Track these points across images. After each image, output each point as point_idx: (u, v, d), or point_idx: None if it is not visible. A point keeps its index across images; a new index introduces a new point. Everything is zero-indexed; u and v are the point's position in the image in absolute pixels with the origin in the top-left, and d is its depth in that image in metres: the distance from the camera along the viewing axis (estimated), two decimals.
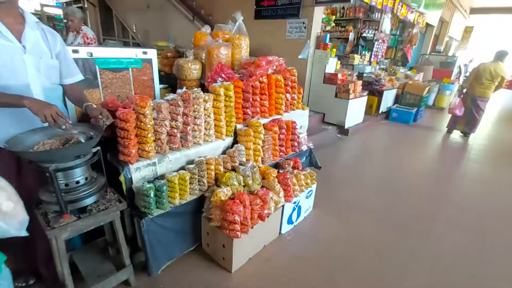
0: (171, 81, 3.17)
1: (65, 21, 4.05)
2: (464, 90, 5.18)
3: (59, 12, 8.34)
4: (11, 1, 1.27)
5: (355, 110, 4.97)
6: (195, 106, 1.87)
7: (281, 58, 2.77)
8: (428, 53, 10.32)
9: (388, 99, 6.19)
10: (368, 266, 1.99)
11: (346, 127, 4.86)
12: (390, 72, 7.30)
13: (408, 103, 6.29)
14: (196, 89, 1.90)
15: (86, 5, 6.32)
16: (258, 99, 2.34)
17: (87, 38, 3.04)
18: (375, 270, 1.97)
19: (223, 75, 2.23)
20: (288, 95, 2.62)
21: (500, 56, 4.84)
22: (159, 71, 3.75)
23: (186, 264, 1.89)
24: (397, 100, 6.59)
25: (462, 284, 1.90)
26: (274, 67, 2.65)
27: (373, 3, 5.45)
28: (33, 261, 1.60)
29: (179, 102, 1.74)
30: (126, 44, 6.14)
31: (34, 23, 1.36)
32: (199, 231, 1.97)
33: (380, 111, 6.05)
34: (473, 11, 14.21)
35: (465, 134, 5.34)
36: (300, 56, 4.78)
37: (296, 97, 2.73)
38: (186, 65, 2.74)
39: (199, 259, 1.94)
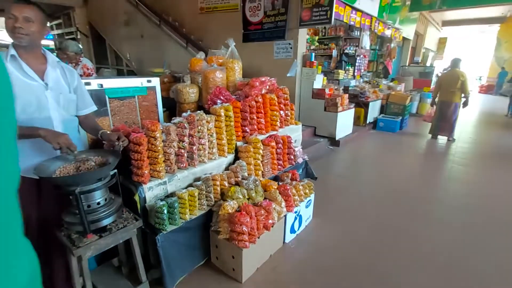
0: (168, 105, 3.33)
1: (55, 53, 4.15)
2: (436, 99, 5.59)
3: (50, 43, 8.55)
4: (34, 44, 1.43)
5: (344, 122, 5.22)
6: (199, 127, 2.03)
7: (273, 78, 2.99)
8: (407, 64, 10.93)
9: (374, 110, 6.51)
10: (369, 269, 2.10)
11: (337, 138, 5.09)
12: (373, 84, 7.70)
13: (392, 113, 6.63)
14: (199, 111, 2.07)
15: (79, 36, 6.55)
16: (255, 117, 2.53)
17: (87, 69, 3.20)
18: (376, 272, 2.08)
19: (221, 97, 2.41)
20: (282, 112, 2.82)
21: (455, 63, 5.34)
22: None
23: (198, 278, 1.97)
24: (382, 110, 6.93)
25: (456, 277, 2.04)
26: (267, 87, 2.86)
27: (352, 23, 5.86)
28: (49, 282, 1.66)
29: (185, 125, 1.90)
30: (120, 72, 6.33)
31: (55, 62, 1.52)
32: (208, 245, 2.06)
33: (367, 122, 6.33)
34: (445, 23, 15.22)
35: (448, 139, 5.65)
36: (288, 74, 5.06)
37: (289, 113, 2.93)
38: (184, 90, 2.92)
39: (209, 273, 2.02)
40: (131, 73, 5.80)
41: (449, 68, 5.59)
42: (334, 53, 7.17)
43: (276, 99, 2.72)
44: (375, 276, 2.04)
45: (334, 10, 4.71)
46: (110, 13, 5.93)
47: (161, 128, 1.79)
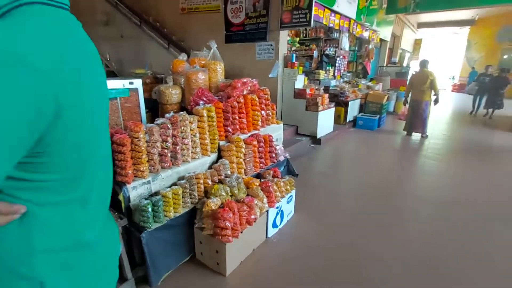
0: (151, 106, 3.35)
1: None
2: (408, 98, 5.95)
3: None
4: None
5: (325, 121, 5.40)
6: (182, 128, 2.09)
7: (254, 79, 3.09)
8: (385, 65, 11.38)
9: (353, 109, 6.75)
10: (347, 261, 2.22)
11: (318, 137, 5.26)
12: (353, 84, 7.98)
13: (371, 111, 6.91)
14: (182, 112, 2.13)
15: None
16: (237, 117, 2.61)
17: None
18: (354, 263, 2.20)
19: (204, 98, 2.47)
20: (263, 111, 2.92)
21: (423, 64, 5.76)
22: None
23: (183, 274, 2.03)
24: (361, 109, 7.20)
25: (429, 265, 2.21)
26: (249, 88, 2.95)
27: (331, 25, 6.07)
28: None
29: (168, 125, 1.95)
30: None
31: None
32: (193, 242, 2.12)
33: (348, 120, 6.57)
34: (420, 25, 15.93)
35: (422, 136, 6.00)
36: (270, 75, 5.18)
37: (270, 113, 3.04)
38: (167, 91, 2.95)
39: (194, 268, 2.09)
40: (111, 74, 5.71)
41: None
42: (315, 54, 7.38)
43: (257, 99, 2.81)
44: (354, 267, 2.16)
45: (313, 12, 4.88)
46: (87, 13, 5.81)
47: (145, 129, 1.84)
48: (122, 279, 1.75)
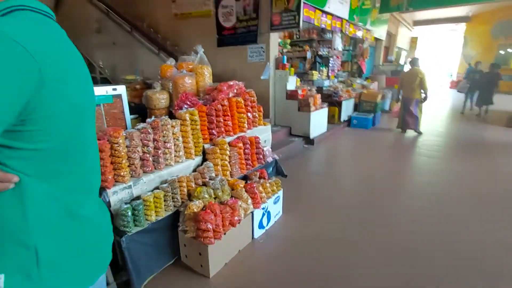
0: (141, 111, 3.39)
1: None
2: (400, 96, 6.00)
3: None
4: None
5: (317, 121, 5.42)
6: (164, 132, 2.12)
7: (241, 82, 3.12)
8: (381, 63, 11.39)
9: (347, 108, 6.77)
10: (334, 261, 2.21)
11: (311, 137, 5.27)
12: (347, 83, 7.99)
13: (365, 110, 6.92)
14: (164, 117, 2.16)
15: None
16: (222, 120, 2.64)
17: None
18: (342, 264, 2.18)
19: (188, 102, 2.50)
20: (249, 114, 2.95)
21: (413, 62, 5.86)
22: (129, 102, 3.98)
23: (167, 277, 2.05)
24: (356, 108, 7.21)
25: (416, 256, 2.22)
26: (235, 91, 2.98)
27: (323, 25, 6.10)
28: None
29: (148, 130, 1.98)
30: (93, 79, 6.29)
31: None
32: (177, 245, 2.15)
33: (342, 120, 6.59)
34: (416, 23, 15.93)
35: (415, 131, 6.05)
36: (262, 77, 5.21)
37: (257, 115, 3.06)
38: (154, 96, 2.99)
39: (179, 271, 2.11)
40: (105, 80, 5.78)
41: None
42: (308, 54, 7.39)
43: (243, 102, 2.84)
44: (341, 268, 2.14)
45: (302, 14, 4.92)
46: (81, 21, 5.90)
47: (124, 134, 1.87)
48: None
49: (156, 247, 1.99)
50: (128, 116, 2.43)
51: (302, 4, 4.62)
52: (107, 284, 1.75)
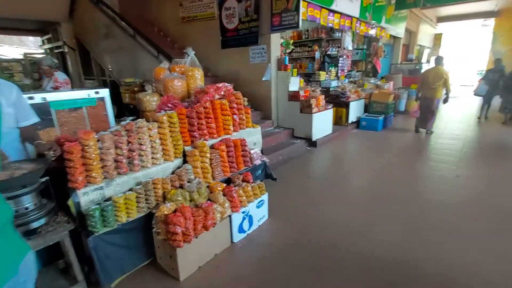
0: (137, 113, 3.48)
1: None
2: (419, 95, 5.67)
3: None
4: None
5: (321, 123, 5.28)
6: (140, 134, 2.15)
7: (229, 84, 3.10)
8: (399, 62, 10.90)
9: (356, 109, 6.53)
10: (315, 268, 2.13)
11: (313, 139, 5.14)
12: (359, 84, 7.72)
13: (375, 111, 6.64)
14: (139, 119, 2.19)
15: (66, 50, 6.84)
16: (204, 123, 2.63)
17: (57, 82, 3.39)
18: (322, 272, 2.09)
19: (169, 105, 2.53)
20: (235, 116, 2.92)
21: (438, 61, 5.53)
22: (128, 104, 4.11)
23: (140, 277, 2.07)
24: (366, 109, 6.94)
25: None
26: (222, 92, 2.97)
27: (330, 24, 5.94)
28: None
29: (121, 132, 2.02)
30: (103, 83, 6.58)
31: None
32: (153, 246, 2.17)
33: (350, 121, 6.37)
34: (440, 19, 15.09)
35: (427, 132, 5.80)
36: (263, 78, 5.17)
37: (244, 117, 3.03)
38: (144, 98, 3.05)
39: (153, 272, 2.13)
40: (113, 83, 6.02)
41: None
42: (317, 55, 7.25)
43: (227, 104, 2.82)
44: (319, 274, 2.07)
45: (308, 13, 4.84)
46: (92, 26, 6.20)
47: (96, 136, 1.92)
48: (74, 280, 1.82)
49: (128, 247, 2.03)
50: (112, 118, 2.49)
51: (301, 4, 4.52)
52: (76, 281, 1.81)
